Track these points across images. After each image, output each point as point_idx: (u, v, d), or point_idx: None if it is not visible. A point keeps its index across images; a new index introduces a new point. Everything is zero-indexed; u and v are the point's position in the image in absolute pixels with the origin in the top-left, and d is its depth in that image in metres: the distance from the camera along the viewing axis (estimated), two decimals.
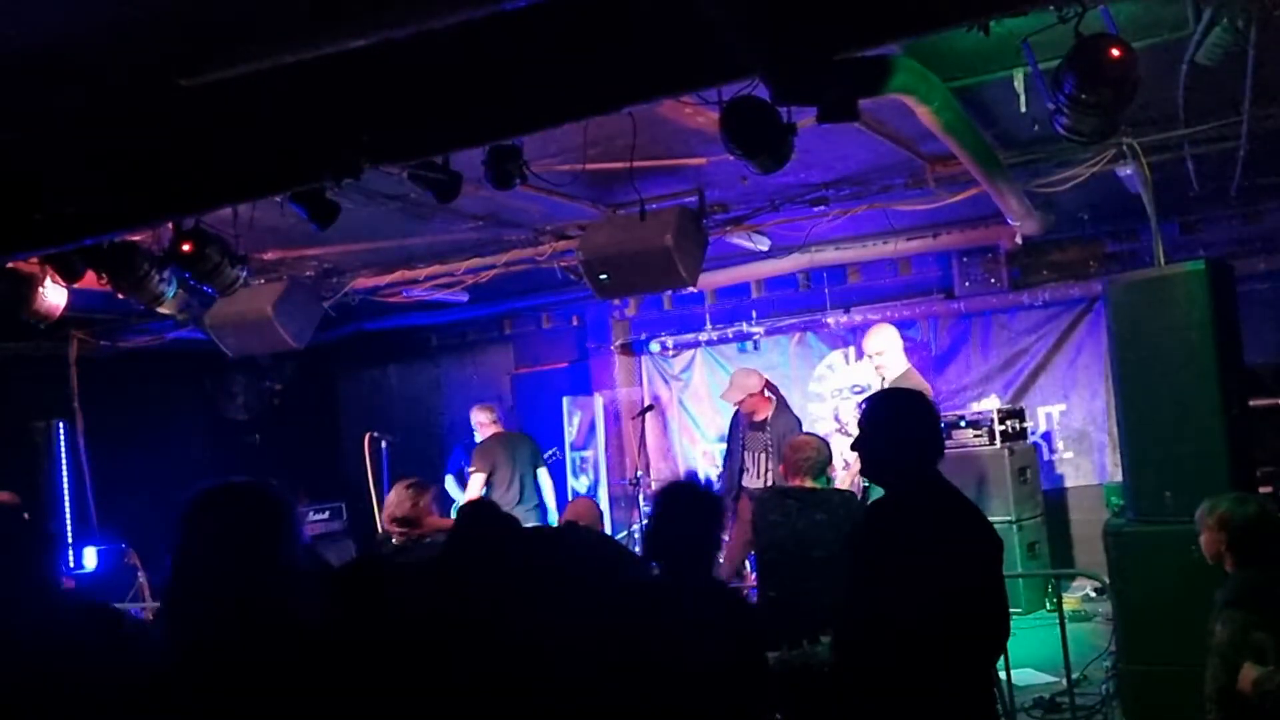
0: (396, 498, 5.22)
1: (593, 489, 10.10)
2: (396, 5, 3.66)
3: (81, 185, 5.07)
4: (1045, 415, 8.86)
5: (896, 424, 3.22)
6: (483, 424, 8.52)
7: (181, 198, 5.14)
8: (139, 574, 8.08)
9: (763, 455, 7.29)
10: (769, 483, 7.04)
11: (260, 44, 3.85)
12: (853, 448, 3.37)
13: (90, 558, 8.29)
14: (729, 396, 7.60)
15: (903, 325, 9.23)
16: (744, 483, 7.31)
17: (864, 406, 3.47)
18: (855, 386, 9.44)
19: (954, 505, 3.15)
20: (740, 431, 7.48)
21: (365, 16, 3.72)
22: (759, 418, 7.36)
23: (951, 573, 2.92)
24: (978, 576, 2.99)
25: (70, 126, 4.61)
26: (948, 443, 7.56)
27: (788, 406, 7.55)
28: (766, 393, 7.44)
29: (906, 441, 3.17)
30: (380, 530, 5.44)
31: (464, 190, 5.29)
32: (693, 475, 4.10)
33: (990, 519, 7.85)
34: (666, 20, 3.72)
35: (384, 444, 8.64)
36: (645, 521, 3.59)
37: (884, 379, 7.07)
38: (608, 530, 5.97)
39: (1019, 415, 8.23)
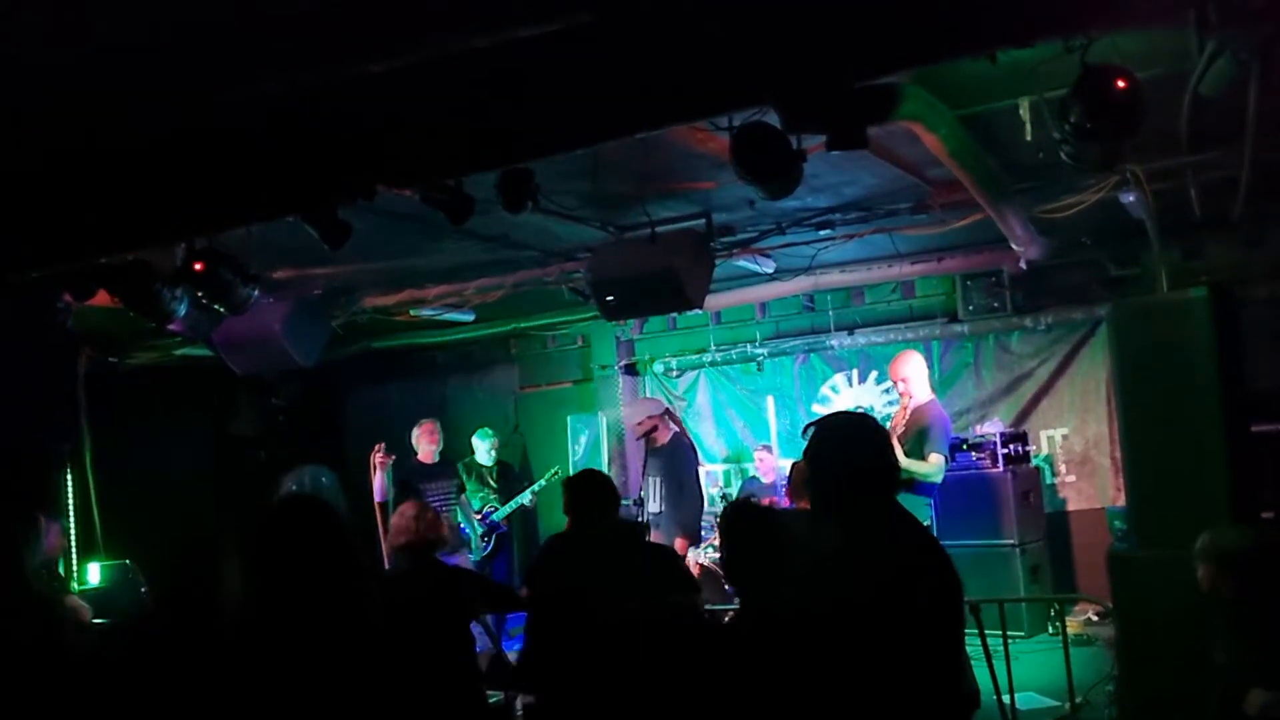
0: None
1: None
2: (413, 31, 3.72)
3: (95, 203, 5.12)
4: (1048, 438, 8.88)
5: (846, 454, 2.88)
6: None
7: (195, 218, 5.19)
8: (143, 590, 8.09)
9: (656, 480, 7.72)
10: (660, 509, 7.59)
11: (276, 68, 3.92)
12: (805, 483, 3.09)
13: (95, 573, 8.31)
14: (629, 420, 8.07)
15: (906, 348, 9.29)
16: (646, 508, 7.72)
17: (811, 433, 3.00)
18: (858, 408, 9.49)
19: (905, 547, 2.83)
20: (643, 460, 7.96)
21: (381, 42, 3.78)
22: (657, 444, 7.77)
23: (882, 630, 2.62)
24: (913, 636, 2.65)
25: (85, 145, 4.66)
26: (951, 466, 7.75)
27: (685, 440, 8.04)
28: (669, 421, 7.92)
29: (856, 474, 2.85)
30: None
31: (475, 210, 5.36)
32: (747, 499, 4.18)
33: (994, 542, 7.96)
34: (679, 48, 3.78)
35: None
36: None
37: (906, 406, 7.10)
38: None
39: (1022, 438, 8.26)
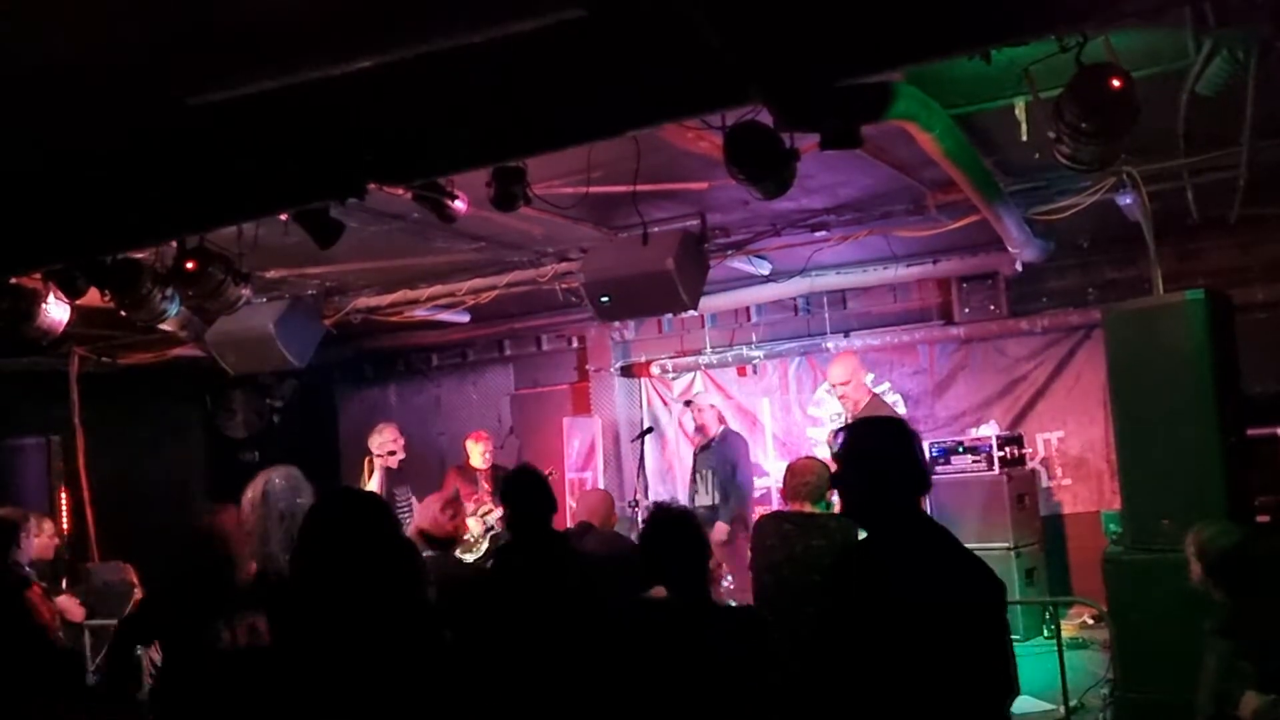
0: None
1: None
2: (403, 27, 3.69)
3: (86, 202, 5.09)
4: (1044, 441, 8.85)
5: (877, 456, 2.92)
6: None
7: (186, 216, 5.16)
8: (135, 590, 8.05)
9: (708, 472, 8.30)
10: (714, 501, 8.15)
11: (267, 64, 3.89)
12: (832, 482, 3.17)
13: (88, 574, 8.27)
14: (700, 404, 8.74)
15: (901, 351, 9.29)
16: (697, 503, 8.19)
17: (841, 437, 3.08)
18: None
19: (948, 548, 2.89)
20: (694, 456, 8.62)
21: (371, 38, 3.76)
22: (709, 436, 8.40)
23: (946, 627, 2.67)
24: (976, 631, 2.72)
25: (76, 144, 4.63)
26: (947, 469, 7.74)
27: (734, 431, 8.70)
28: (719, 417, 8.64)
29: (888, 475, 2.88)
30: None
31: (467, 210, 5.33)
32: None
33: (989, 544, 7.96)
34: (671, 46, 3.75)
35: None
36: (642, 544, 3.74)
37: (850, 410, 7.10)
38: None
39: (1018, 441, 8.24)
